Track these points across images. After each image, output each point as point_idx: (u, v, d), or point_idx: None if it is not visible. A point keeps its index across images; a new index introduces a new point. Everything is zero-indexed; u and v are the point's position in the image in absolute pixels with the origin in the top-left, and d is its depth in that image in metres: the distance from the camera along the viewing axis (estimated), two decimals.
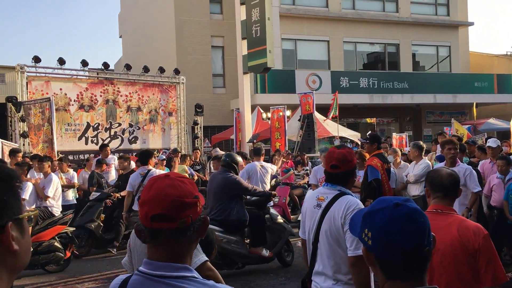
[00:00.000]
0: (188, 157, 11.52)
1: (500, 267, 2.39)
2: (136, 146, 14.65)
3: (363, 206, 2.85)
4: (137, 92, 14.86)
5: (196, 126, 16.16)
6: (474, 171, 5.66)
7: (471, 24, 25.20)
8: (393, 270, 1.31)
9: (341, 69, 21.22)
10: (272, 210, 7.05)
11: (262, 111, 16.83)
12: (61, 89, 13.54)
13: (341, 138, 16.11)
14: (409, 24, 22.86)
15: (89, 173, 9.60)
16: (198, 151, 13.86)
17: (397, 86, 21.12)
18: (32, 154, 10.21)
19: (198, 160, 13.14)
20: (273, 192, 7.27)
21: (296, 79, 19.07)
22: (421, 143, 7.44)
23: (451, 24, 23.84)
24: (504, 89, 22.97)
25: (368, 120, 23.73)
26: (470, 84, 22.50)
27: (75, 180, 9.34)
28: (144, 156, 7.34)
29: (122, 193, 7.80)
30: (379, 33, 22.41)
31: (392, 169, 7.16)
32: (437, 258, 2.39)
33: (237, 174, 6.36)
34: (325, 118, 15.17)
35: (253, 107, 16.64)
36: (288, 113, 15.27)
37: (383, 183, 5.48)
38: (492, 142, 7.20)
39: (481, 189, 5.65)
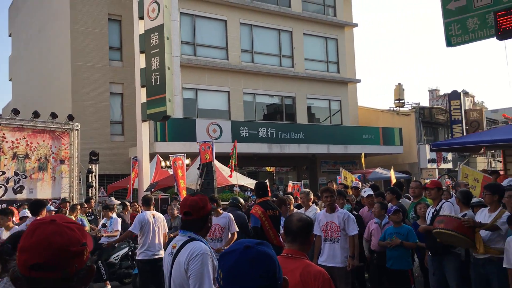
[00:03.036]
0: (79, 206, 10.86)
1: None
2: (22, 196, 13.56)
3: (208, 252, 2.86)
4: (25, 138, 13.92)
5: (90, 175, 15.44)
6: (351, 215, 6.00)
7: (359, 81, 27.44)
8: None
9: (241, 119, 21.77)
10: None
11: (161, 159, 16.59)
12: None
13: (240, 186, 16.31)
14: (304, 79, 24.32)
15: None
16: (92, 200, 13.20)
17: (294, 136, 22.07)
18: None
19: (90, 210, 12.49)
20: None
21: (196, 127, 19.15)
22: (309, 190, 7.85)
23: (341, 80, 25.81)
24: (389, 141, 25.10)
25: (268, 169, 24.38)
26: (359, 136, 24.25)
27: None
28: (36, 207, 6.81)
29: None
30: (277, 86, 23.51)
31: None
32: None
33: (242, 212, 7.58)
34: (229, 174, 15.16)
35: (152, 155, 16.35)
36: (187, 161, 15.21)
37: (266, 229, 5.64)
38: (365, 193, 7.92)
39: (357, 232, 5.96)
